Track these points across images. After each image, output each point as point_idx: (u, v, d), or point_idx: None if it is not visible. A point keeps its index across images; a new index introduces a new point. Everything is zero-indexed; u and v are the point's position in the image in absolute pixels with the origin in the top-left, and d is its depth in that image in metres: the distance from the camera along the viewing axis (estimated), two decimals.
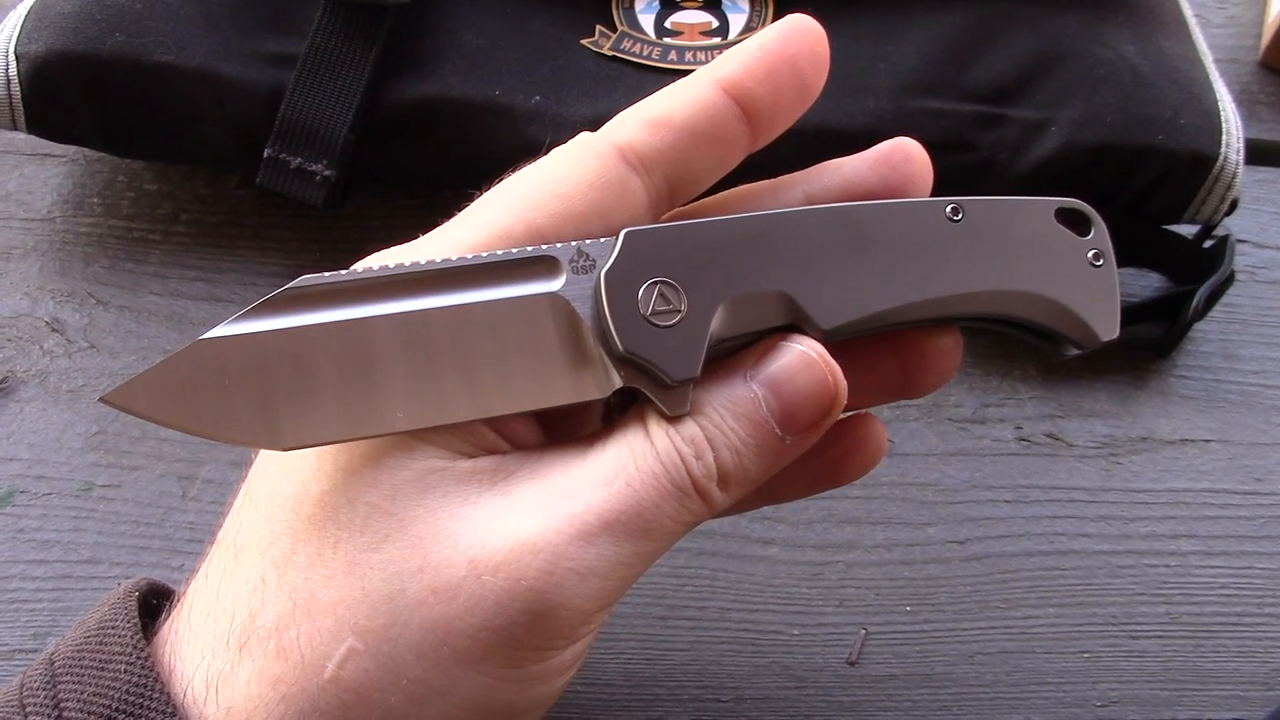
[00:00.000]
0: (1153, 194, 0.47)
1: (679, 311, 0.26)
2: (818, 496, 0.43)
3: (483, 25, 0.48)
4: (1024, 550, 0.42)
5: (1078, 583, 0.41)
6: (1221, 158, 0.45)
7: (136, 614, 0.25)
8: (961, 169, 0.47)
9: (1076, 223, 0.30)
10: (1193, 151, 0.45)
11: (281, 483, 0.25)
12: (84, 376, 0.45)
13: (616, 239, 0.26)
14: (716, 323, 0.26)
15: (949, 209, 0.29)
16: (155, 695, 0.23)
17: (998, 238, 0.29)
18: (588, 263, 0.26)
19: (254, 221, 0.50)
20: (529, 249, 0.26)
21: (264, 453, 0.27)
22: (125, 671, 0.23)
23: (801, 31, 0.27)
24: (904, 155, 0.29)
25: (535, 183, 0.26)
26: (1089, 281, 0.30)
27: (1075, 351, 0.31)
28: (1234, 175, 0.46)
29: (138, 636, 0.24)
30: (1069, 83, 0.47)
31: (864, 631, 0.40)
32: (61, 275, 0.48)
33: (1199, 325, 0.48)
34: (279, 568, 0.24)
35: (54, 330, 0.47)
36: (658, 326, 0.26)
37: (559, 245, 0.26)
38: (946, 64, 0.47)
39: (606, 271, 0.26)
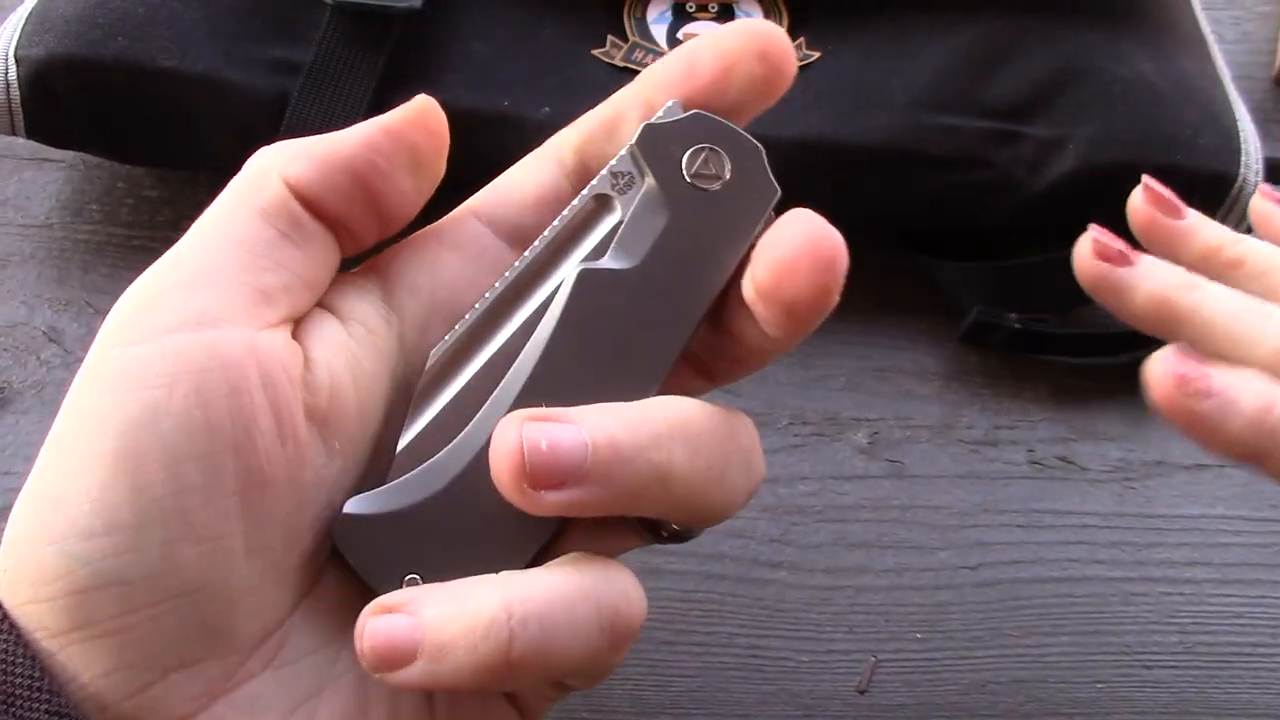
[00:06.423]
0: None
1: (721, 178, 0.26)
2: (827, 519, 0.42)
3: (491, 34, 0.47)
4: (1036, 576, 0.42)
5: (1091, 610, 0.41)
6: (1241, 178, 0.45)
7: None
8: (976, 186, 0.46)
9: None
10: (1212, 171, 0.45)
11: None
12: None
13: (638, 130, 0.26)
14: None
15: None
16: None
17: None
18: (625, 180, 0.26)
19: None
20: (579, 201, 0.26)
21: None
22: None
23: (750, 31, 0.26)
24: None
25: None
26: None
27: None
28: (1253, 195, 0.45)
29: None
30: (1086, 100, 0.46)
31: (874, 659, 0.39)
32: (59, 283, 0.47)
33: None
34: None
35: (51, 340, 0.46)
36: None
37: (595, 180, 0.26)
38: (962, 80, 0.47)
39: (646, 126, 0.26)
